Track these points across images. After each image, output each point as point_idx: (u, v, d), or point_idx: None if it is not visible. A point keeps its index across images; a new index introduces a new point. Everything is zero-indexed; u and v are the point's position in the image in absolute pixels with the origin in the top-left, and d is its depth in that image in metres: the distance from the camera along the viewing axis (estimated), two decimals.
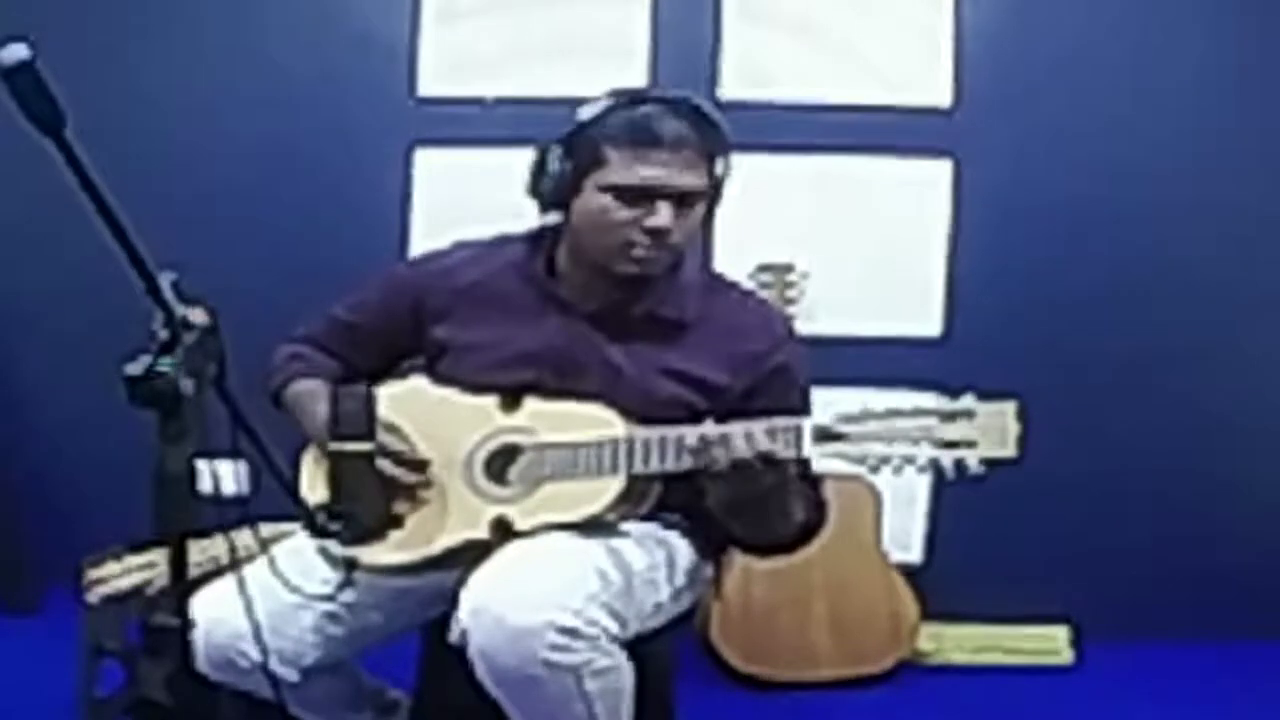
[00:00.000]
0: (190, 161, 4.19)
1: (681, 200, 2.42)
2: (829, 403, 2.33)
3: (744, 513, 2.36)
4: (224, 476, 1.87)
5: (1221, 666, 4.02)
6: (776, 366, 2.52)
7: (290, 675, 2.38)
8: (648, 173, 2.39)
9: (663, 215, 2.40)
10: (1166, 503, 4.23)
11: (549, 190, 2.49)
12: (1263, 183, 4.20)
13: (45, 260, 4.18)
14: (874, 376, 3.83)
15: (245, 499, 2.02)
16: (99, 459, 3.92)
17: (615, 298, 2.52)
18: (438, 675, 2.72)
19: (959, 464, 2.18)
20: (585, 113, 2.47)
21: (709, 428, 2.27)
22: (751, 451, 2.21)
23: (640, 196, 2.40)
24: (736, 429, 2.24)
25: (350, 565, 2.37)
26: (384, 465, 2.39)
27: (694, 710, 2.96)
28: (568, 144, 2.47)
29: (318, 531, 2.31)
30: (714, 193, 2.50)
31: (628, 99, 2.47)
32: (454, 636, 2.22)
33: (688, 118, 2.44)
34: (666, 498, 2.46)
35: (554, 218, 2.56)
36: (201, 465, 1.74)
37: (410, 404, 2.51)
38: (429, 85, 4.22)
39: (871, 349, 4.15)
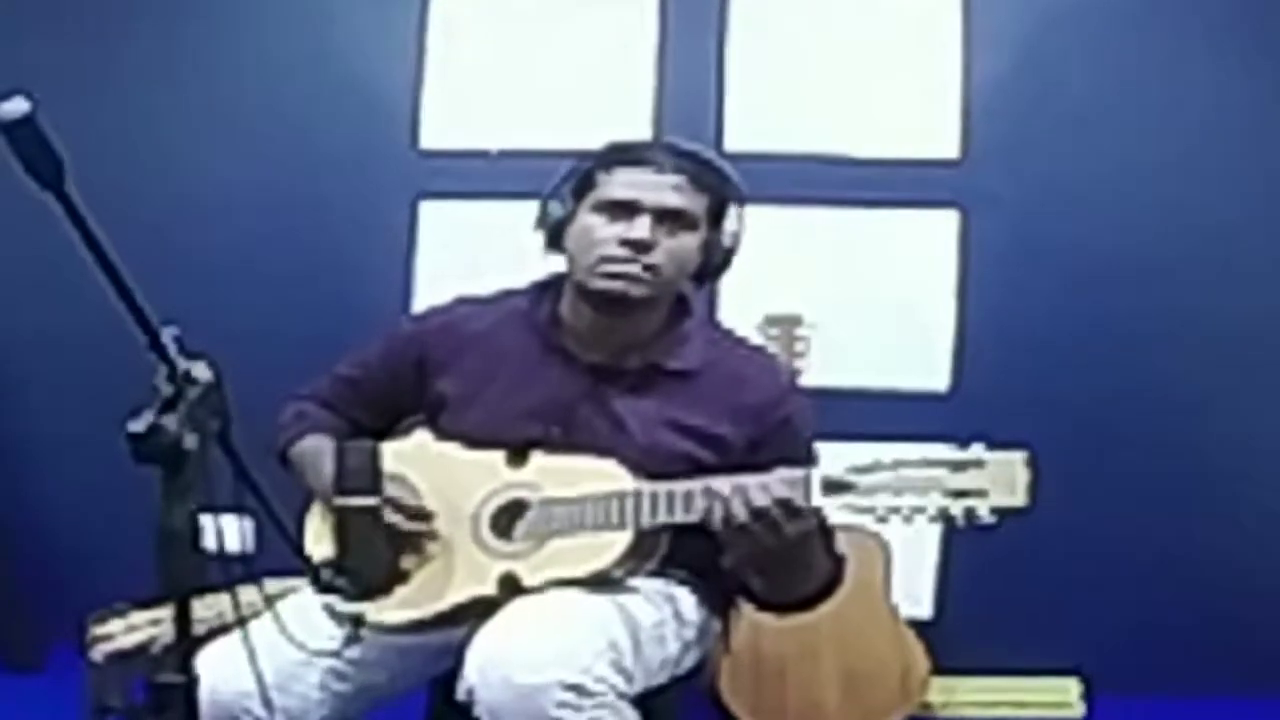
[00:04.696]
0: (192, 215, 4.21)
1: (664, 219, 2.44)
2: (836, 456, 2.31)
3: (767, 567, 2.35)
4: (228, 532, 1.86)
5: None
6: (781, 419, 2.50)
7: None
8: (629, 188, 2.45)
9: (639, 227, 2.42)
10: (1177, 555, 4.21)
11: (552, 222, 2.53)
12: (1274, 232, 4.19)
13: (48, 313, 4.18)
14: (881, 430, 3.80)
15: (250, 555, 2.01)
16: (102, 515, 3.91)
17: (618, 346, 2.52)
18: None
19: (969, 513, 2.17)
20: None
21: (718, 480, 2.26)
22: (768, 499, 2.20)
23: (623, 212, 2.44)
24: (749, 479, 2.23)
25: (356, 621, 2.35)
26: (389, 515, 2.38)
27: None
28: (572, 182, 2.53)
29: (324, 587, 2.29)
30: (715, 236, 2.53)
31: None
32: (461, 694, 2.21)
33: (684, 155, 2.51)
34: (674, 552, 2.44)
35: (557, 264, 2.57)
36: (206, 521, 1.72)
37: (416, 459, 2.50)
38: (432, 138, 4.24)
39: (879, 402, 4.14)
